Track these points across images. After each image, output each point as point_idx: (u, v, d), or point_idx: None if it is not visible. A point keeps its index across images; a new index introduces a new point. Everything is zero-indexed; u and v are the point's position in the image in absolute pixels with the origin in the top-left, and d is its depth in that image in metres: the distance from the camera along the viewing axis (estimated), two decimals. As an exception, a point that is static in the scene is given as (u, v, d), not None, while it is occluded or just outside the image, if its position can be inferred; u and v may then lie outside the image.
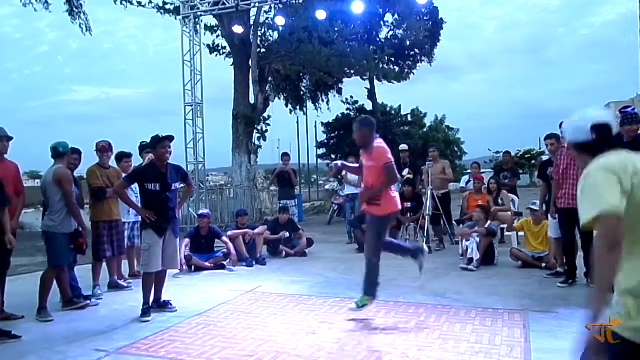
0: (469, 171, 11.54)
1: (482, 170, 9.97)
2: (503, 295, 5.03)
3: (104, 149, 5.76)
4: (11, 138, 4.71)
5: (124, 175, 5.64)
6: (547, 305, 4.58)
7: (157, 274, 4.77)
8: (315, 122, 28.10)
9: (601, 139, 1.79)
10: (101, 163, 5.73)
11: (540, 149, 35.31)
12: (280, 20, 13.74)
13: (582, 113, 1.84)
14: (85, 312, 4.88)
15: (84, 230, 4.93)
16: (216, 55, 16.87)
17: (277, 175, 10.12)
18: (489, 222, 6.81)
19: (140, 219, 4.91)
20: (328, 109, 24.81)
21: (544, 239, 6.34)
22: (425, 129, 29.67)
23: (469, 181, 9.20)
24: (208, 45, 16.50)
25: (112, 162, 5.96)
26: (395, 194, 4.42)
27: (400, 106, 29.19)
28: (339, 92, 24.53)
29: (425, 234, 7.75)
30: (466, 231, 6.79)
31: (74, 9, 14.83)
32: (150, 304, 4.72)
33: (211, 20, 15.82)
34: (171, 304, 4.83)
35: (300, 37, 14.52)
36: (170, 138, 4.80)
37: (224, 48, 16.71)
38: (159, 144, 4.72)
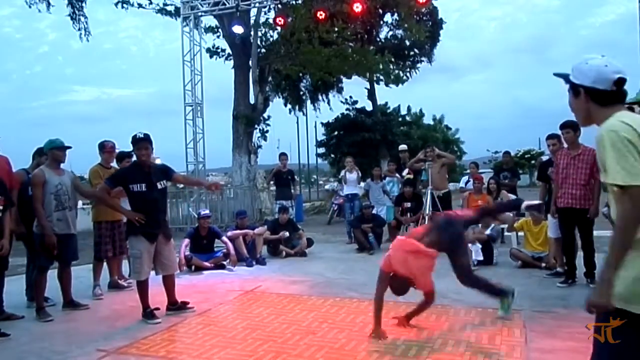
0: (468, 171, 11.55)
1: (482, 170, 9.97)
2: (503, 295, 5.02)
3: (112, 149, 5.76)
4: None
5: None
6: (547, 305, 4.58)
7: (165, 279, 4.72)
8: (315, 122, 28.14)
9: (620, 93, 1.74)
10: (104, 163, 5.72)
11: (540, 149, 35.29)
12: (280, 21, 13.74)
13: (608, 60, 1.75)
14: (85, 312, 4.89)
15: (47, 235, 4.57)
16: (216, 59, 16.89)
17: (274, 175, 10.12)
18: (492, 224, 6.82)
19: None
20: (330, 108, 24.84)
21: (543, 239, 6.34)
22: (424, 129, 29.67)
23: (468, 181, 9.20)
24: (208, 49, 16.49)
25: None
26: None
27: (399, 106, 29.25)
28: (339, 91, 24.56)
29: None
30: (471, 236, 6.74)
31: (76, 11, 14.83)
32: (167, 308, 4.68)
33: (211, 21, 15.85)
34: (188, 305, 4.75)
35: (300, 38, 14.52)
36: (145, 139, 4.53)
37: (223, 51, 16.71)
38: (135, 146, 4.53)
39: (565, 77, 1.84)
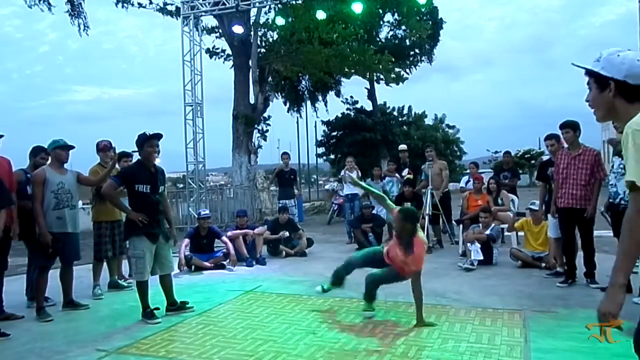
0: (468, 171, 11.55)
1: (482, 170, 9.96)
2: (503, 295, 5.04)
3: (105, 148, 5.76)
4: (1, 136, 4.69)
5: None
6: (547, 305, 4.58)
7: (162, 279, 4.72)
8: (315, 122, 28.14)
9: None
10: (103, 163, 5.73)
11: (540, 149, 35.26)
12: (280, 21, 13.75)
13: (639, 55, 1.66)
14: (85, 312, 4.89)
15: (42, 233, 4.57)
16: (215, 59, 16.89)
17: (277, 175, 10.13)
18: (492, 224, 6.82)
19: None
20: (326, 110, 24.85)
21: (543, 239, 6.34)
22: (423, 129, 29.67)
23: (468, 181, 9.20)
24: (207, 50, 16.49)
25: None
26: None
27: (403, 107, 29.28)
28: (337, 94, 24.59)
29: (425, 234, 7.74)
30: (470, 236, 6.73)
31: (75, 9, 14.85)
32: (167, 309, 4.68)
33: (211, 21, 15.85)
34: (187, 305, 4.75)
35: (300, 38, 14.52)
36: (158, 136, 4.58)
37: (223, 51, 16.70)
38: (146, 142, 4.50)
39: (589, 70, 1.73)
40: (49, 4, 14.58)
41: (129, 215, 4.52)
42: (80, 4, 14.93)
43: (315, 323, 4.25)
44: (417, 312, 4.14)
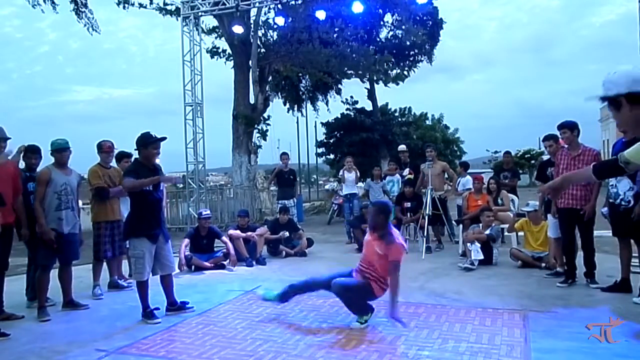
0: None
1: (482, 170, 9.96)
2: (503, 295, 5.04)
3: (109, 149, 5.77)
4: (8, 138, 4.71)
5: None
6: (547, 305, 4.59)
7: (163, 279, 4.72)
8: (315, 122, 28.14)
9: None
10: (103, 163, 5.73)
11: (540, 149, 35.27)
12: (280, 21, 13.77)
13: (633, 66, 1.72)
14: (85, 312, 4.89)
15: (43, 231, 4.59)
16: (217, 59, 16.90)
17: (276, 175, 10.14)
18: (492, 224, 6.82)
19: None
20: (327, 109, 24.84)
21: (543, 239, 6.35)
22: (423, 129, 29.70)
23: (459, 182, 9.20)
24: (209, 49, 16.49)
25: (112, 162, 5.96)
26: None
27: (405, 108, 29.30)
28: (338, 92, 24.56)
29: (425, 234, 7.76)
30: (470, 236, 6.73)
31: (80, 9, 14.82)
32: (167, 308, 4.69)
33: (211, 21, 15.86)
34: (187, 305, 4.76)
35: (300, 38, 14.53)
36: (163, 139, 4.58)
37: (224, 51, 16.71)
38: (151, 144, 4.51)
39: (600, 98, 1.78)
40: (53, 2, 14.55)
41: (166, 180, 4.65)
42: (85, 4, 14.89)
43: (315, 323, 4.25)
44: (391, 303, 3.99)
